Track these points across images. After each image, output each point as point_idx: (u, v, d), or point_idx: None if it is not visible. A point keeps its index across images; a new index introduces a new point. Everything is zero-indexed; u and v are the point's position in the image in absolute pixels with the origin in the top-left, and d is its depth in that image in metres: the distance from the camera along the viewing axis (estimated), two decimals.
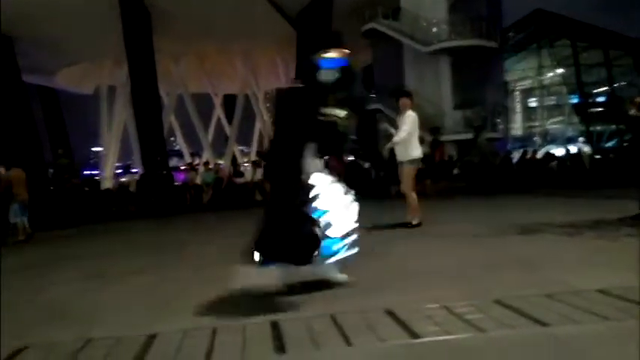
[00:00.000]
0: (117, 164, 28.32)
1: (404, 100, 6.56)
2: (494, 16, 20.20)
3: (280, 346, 2.26)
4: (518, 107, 34.36)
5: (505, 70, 25.08)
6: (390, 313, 2.62)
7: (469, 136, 16.95)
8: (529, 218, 6.53)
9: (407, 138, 6.39)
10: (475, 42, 18.77)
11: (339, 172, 7.03)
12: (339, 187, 3.47)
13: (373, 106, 20.90)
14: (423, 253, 4.74)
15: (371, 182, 14.71)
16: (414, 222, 6.43)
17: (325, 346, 2.25)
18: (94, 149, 26.73)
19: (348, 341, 2.28)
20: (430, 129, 14.17)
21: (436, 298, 2.86)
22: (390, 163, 7.62)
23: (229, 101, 30.99)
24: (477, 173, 14.07)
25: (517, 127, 34.01)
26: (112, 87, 27.06)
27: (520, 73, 32.83)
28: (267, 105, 31.38)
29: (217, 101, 31.89)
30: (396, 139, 6.43)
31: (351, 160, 18.23)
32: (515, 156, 20.18)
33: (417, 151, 6.54)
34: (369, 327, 2.44)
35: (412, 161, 6.51)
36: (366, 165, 15.46)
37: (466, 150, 16.74)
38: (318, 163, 3.45)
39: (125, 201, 15.47)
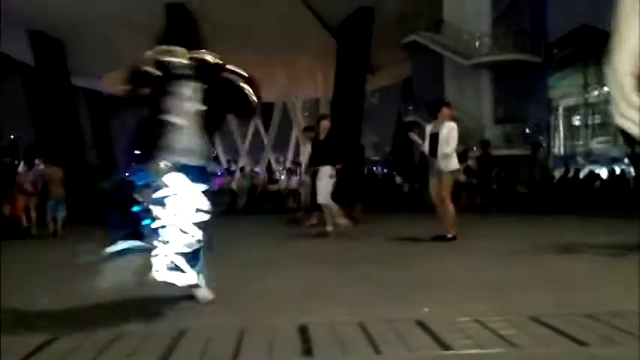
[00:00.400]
0: None
1: (445, 111, 6.51)
2: (538, 31, 19.82)
3: (307, 350, 2.24)
4: (561, 125, 33.44)
5: (549, 87, 24.49)
6: (421, 324, 2.56)
7: (521, 151, 16.52)
8: (569, 237, 6.31)
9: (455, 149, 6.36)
10: (518, 56, 18.42)
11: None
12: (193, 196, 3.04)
13: (410, 119, 20.77)
14: (457, 267, 4.64)
15: (403, 195, 14.58)
16: (450, 235, 6.30)
17: (353, 352, 2.22)
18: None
19: (376, 349, 2.24)
20: (481, 142, 13.85)
21: (469, 311, 2.78)
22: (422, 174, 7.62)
23: (267, 110, 31.37)
24: (539, 189, 13.69)
25: (559, 145, 33.07)
26: None
27: (564, 90, 31.94)
28: (305, 114, 31.59)
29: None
30: (448, 150, 6.33)
31: (386, 173, 18.13)
32: (557, 174, 19.63)
33: (456, 162, 6.48)
34: (398, 337, 2.39)
35: (452, 172, 6.43)
36: (398, 179, 15.31)
37: (510, 166, 16.26)
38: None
39: None
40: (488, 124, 18.83)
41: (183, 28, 3.38)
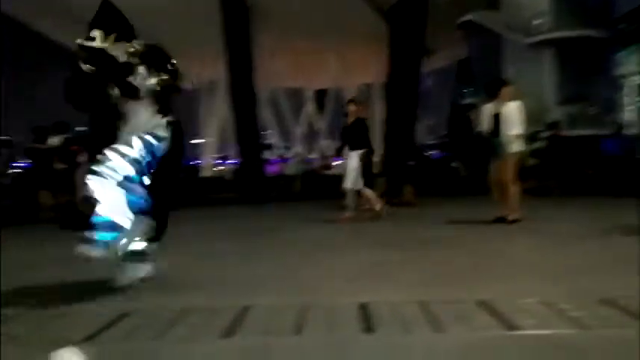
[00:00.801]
0: (215, 155, 29.74)
1: (506, 90, 6.29)
2: (604, 5, 18.70)
3: (369, 328, 2.25)
4: (631, 104, 31.50)
5: (617, 64, 23.11)
6: (484, 305, 2.51)
7: (589, 132, 15.83)
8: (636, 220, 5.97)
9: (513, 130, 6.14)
10: (582, 32, 17.52)
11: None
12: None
13: (466, 101, 20.22)
14: (520, 250, 4.51)
15: (460, 178, 14.26)
16: (511, 217, 6.10)
17: (415, 331, 2.20)
18: (193, 141, 28.39)
19: (439, 328, 2.21)
20: (548, 124, 13.35)
21: (534, 293, 2.70)
22: (481, 157, 7.37)
23: (321, 96, 31.39)
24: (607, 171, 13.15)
25: (630, 125, 31.18)
26: (212, 81, 28.43)
27: (635, 67, 30.00)
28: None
29: (309, 96, 32.43)
30: (514, 131, 6.13)
31: (441, 157, 17.79)
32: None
33: (521, 143, 6.27)
34: (460, 316, 2.35)
35: (516, 153, 6.22)
36: (455, 163, 14.96)
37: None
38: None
39: (221, 188, 16.24)
40: (552, 105, 18.06)
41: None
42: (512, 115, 6.12)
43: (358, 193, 7.44)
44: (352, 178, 7.22)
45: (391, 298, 2.70)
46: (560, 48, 18.01)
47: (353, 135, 7.40)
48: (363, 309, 2.49)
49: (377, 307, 2.52)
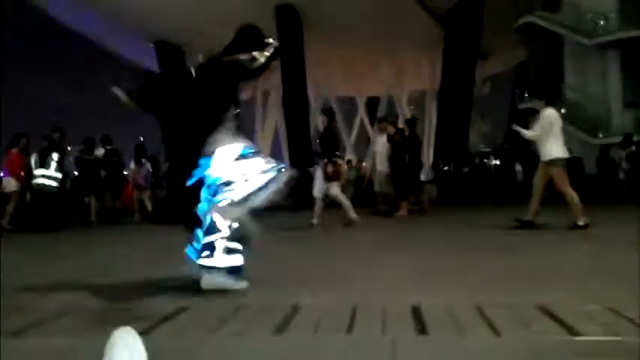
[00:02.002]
0: None
1: (538, 102, 6.33)
2: None
3: (422, 329, 2.20)
4: None
5: None
6: (544, 310, 2.40)
7: None
8: None
9: (540, 137, 6.13)
10: None
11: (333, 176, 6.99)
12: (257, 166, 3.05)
13: (525, 105, 19.58)
14: (586, 255, 4.30)
15: (518, 184, 13.82)
16: (581, 223, 5.86)
17: (470, 333, 2.13)
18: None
19: (495, 332, 2.13)
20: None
21: (600, 299, 2.56)
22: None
23: (373, 103, 31.30)
24: None
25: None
26: (266, 92, 28.98)
27: None
28: (410, 107, 31.09)
29: (361, 103, 32.41)
30: (529, 134, 6.27)
31: (500, 163, 17.29)
32: None
33: (557, 152, 6.12)
34: (519, 320, 2.26)
35: (552, 161, 6.08)
36: (518, 167, 14.51)
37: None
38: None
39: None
40: (617, 109, 17.18)
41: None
42: (541, 122, 6.06)
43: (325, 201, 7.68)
44: (317, 187, 7.51)
45: (443, 301, 2.63)
46: (626, 49, 17.11)
47: (322, 144, 7.62)
48: (416, 310, 2.45)
49: (430, 308, 2.46)
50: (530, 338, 2.05)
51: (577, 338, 2.03)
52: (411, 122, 10.52)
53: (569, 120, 17.48)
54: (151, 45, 22.02)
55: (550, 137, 6.01)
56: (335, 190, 7.39)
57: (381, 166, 9.56)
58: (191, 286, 3.09)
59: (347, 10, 19.25)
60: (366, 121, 31.99)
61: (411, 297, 2.71)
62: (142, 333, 2.19)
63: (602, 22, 16.99)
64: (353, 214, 7.35)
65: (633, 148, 12.05)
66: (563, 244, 5.02)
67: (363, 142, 32.27)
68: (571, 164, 14.33)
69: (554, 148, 6.03)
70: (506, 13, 18.48)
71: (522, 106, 20.46)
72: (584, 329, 2.10)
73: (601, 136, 13.54)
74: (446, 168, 14.16)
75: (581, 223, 5.85)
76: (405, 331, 2.18)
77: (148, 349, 1.47)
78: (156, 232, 8.15)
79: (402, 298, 2.73)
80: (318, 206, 7.63)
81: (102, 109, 23.89)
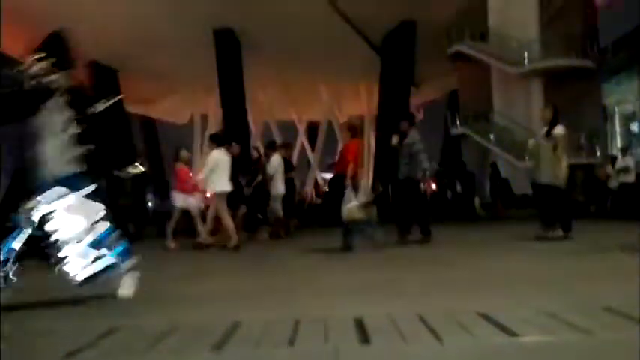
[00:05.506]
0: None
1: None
2: (590, 34, 19.13)
3: (365, 339, 2.16)
4: (617, 133, 31.91)
5: (603, 93, 23.50)
6: (484, 316, 2.43)
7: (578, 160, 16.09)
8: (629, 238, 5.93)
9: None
10: (569, 62, 17.85)
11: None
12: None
13: (457, 131, 20.42)
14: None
15: (451, 205, 14.35)
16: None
17: (414, 341, 2.12)
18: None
19: (438, 338, 2.13)
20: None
21: (537, 305, 2.63)
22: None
23: (312, 129, 31.61)
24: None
25: (616, 154, 31.46)
26: (204, 115, 28.59)
27: (620, 96, 30.52)
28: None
29: (301, 128, 32.65)
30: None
31: (436, 186, 17.82)
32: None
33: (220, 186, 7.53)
34: (460, 326, 2.27)
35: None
36: (458, 187, 15.02)
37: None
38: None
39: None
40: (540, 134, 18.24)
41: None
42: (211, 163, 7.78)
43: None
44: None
45: (385, 311, 2.61)
46: (548, 78, 18.28)
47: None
48: (358, 321, 2.40)
49: (372, 319, 2.43)
50: (470, 342, 2.06)
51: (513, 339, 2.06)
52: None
53: (499, 144, 18.39)
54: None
55: (215, 174, 7.44)
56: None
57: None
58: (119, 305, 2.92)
59: (286, 35, 19.45)
60: (307, 146, 32.20)
61: (352, 308, 2.68)
62: (69, 356, 2.03)
63: (525, 51, 18.06)
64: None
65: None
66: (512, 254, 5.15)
67: (305, 166, 32.40)
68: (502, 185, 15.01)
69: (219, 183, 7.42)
70: (438, 42, 19.33)
71: (454, 132, 21.28)
72: (521, 331, 2.14)
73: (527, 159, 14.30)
74: (381, 190, 14.44)
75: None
76: (348, 341, 2.13)
77: None
78: None
79: (344, 309, 2.69)
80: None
81: None
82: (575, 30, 18.40)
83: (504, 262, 4.93)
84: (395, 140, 7.09)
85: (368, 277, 4.16)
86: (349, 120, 21.61)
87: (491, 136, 18.88)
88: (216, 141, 8.07)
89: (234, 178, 8.01)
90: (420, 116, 28.27)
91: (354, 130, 7.78)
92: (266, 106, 27.39)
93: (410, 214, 7.02)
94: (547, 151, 6.54)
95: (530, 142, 7.93)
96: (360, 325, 2.33)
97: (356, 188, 6.47)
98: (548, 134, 6.56)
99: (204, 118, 28.85)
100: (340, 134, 29.82)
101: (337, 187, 6.97)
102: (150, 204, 16.46)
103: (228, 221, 7.44)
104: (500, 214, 13.88)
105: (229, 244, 7.25)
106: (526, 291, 3.20)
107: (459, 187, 14.64)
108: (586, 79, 18.62)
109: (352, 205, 6.21)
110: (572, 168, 15.74)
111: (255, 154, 10.53)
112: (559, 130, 6.52)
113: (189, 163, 9.27)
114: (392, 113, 19.96)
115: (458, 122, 20.82)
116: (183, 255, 7.30)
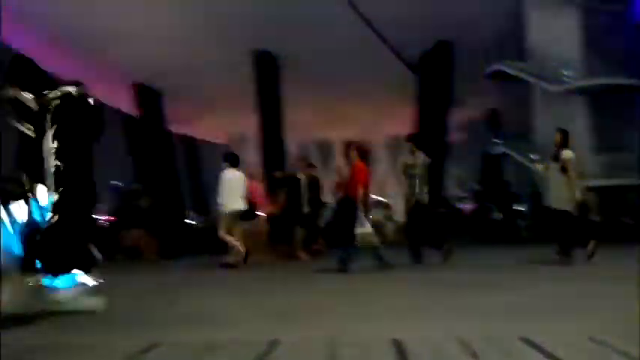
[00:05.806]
0: None
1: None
2: (636, 51, 18.54)
3: None
4: None
5: None
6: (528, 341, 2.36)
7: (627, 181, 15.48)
8: None
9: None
10: (614, 80, 17.33)
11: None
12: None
13: (499, 151, 20.06)
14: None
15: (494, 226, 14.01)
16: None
17: None
18: None
19: None
20: None
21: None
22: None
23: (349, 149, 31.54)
24: None
25: None
26: (243, 135, 29.04)
27: None
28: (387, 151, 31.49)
29: (338, 148, 32.69)
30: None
31: (476, 207, 17.51)
32: None
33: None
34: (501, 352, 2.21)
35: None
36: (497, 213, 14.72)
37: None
38: None
39: None
40: (585, 154, 17.68)
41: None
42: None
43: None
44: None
45: (425, 334, 2.57)
46: (592, 96, 17.79)
47: None
48: (398, 344, 2.37)
49: (411, 342, 2.39)
50: None
51: None
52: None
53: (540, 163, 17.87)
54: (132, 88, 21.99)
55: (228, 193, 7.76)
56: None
57: None
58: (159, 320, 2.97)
59: (322, 55, 19.62)
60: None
61: (391, 331, 2.64)
62: None
63: (567, 69, 17.63)
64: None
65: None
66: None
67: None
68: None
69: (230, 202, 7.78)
70: (475, 60, 19.11)
71: (495, 151, 20.92)
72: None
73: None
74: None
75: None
76: None
77: None
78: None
79: (382, 332, 2.66)
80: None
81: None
82: (619, 46, 17.89)
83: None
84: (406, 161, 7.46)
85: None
86: (359, 141, 21.54)
87: (532, 156, 18.41)
88: (229, 160, 8.11)
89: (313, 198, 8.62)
90: (462, 136, 27.96)
91: (364, 152, 7.72)
92: (304, 126, 27.56)
93: (421, 236, 7.10)
94: (555, 174, 6.48)
95: (539, 167, 7.90)
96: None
97: (367, 211, 6.62)
98: (556, 157, 6.52)
99: (244, 138, 29.28)
100: (342, 151, 29.70)
101: (346, 208, 6.83)
102: (190, 220, 16.81)
103: (231, 239, 7.76)
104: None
105: (229, 260, 7.54)
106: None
107: (498, 209, 14.35)
108: (632, 97, 18.02)
109: (367, 230, 6.39)
110: (621, 190, 15.24)
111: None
112: (567, 153, 6.43)
113: (258, 179, 9.59)
114: (430, 132, 19.79)
115: (498, 141, 20.46)
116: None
